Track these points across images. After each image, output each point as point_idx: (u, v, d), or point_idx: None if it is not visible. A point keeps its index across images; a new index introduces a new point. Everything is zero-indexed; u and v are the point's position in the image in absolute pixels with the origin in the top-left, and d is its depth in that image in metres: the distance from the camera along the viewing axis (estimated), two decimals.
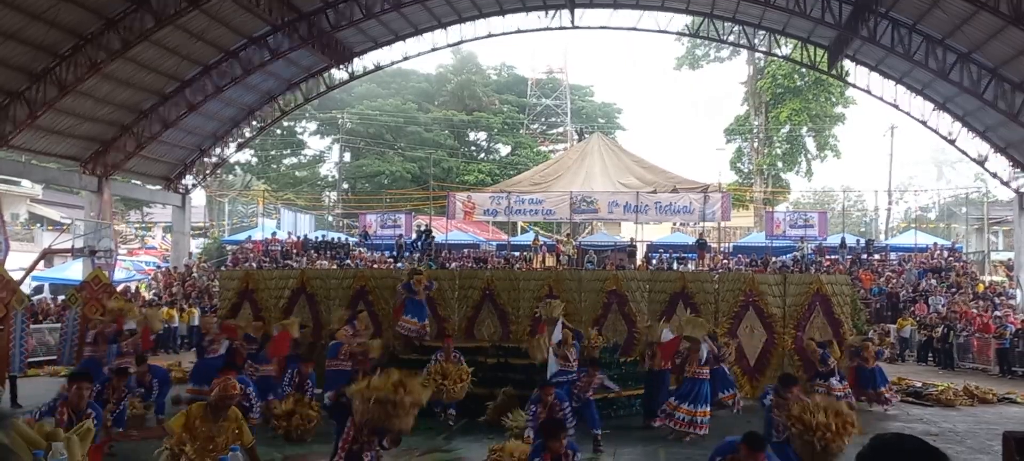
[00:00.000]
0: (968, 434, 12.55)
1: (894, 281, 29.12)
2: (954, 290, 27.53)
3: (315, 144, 58.33)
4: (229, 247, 37.38)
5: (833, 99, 45.43)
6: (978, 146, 29.34)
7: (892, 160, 46.79)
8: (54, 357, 18.51)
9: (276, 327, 13.93)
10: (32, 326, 20.16)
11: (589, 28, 31.04)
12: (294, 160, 57.81)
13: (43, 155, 28.00)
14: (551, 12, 30.27)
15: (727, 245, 36.37)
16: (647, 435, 11.86)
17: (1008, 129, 26.44)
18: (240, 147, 36.85)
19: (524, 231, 39.48)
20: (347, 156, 54.38)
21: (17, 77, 23.21)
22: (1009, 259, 33.46)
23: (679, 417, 11.55)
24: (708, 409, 11.63)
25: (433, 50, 32.44)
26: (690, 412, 11.53)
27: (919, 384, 17.31)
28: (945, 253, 32.44)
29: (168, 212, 38.16)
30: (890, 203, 47.83)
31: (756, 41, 31.72)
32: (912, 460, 1.82)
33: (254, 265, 28.83)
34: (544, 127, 60.06)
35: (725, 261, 32.00)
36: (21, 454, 4.51)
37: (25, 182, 41.15)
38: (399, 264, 27.13)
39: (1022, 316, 22.97)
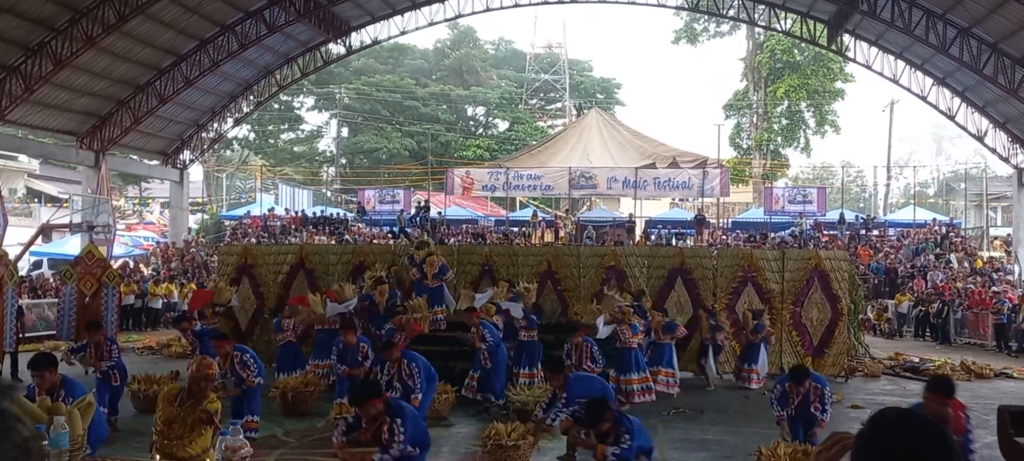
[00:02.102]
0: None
1: (892, 257, 29.19)
2: (948, 264, 27.60)
3: (313, 119, 58.25)
4: (227, 222, 37.37)
5: (832, 74, 45.27)
6: (977, 122, 29.31)
7: (891, 135, 46.73)
8: (53, 332, 18.56)
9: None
10: (32, 301, 20.26)
11: (587, 1, 30.83)
12: (292, 135, 57.65)
13: (40, 130, 27.90)
14: None
15: (726, 221, 36.38)
16: (644, 411, 11.92)
17: (1007, 104, 26.40)
18: (237, 122, 36.75)
19: (523, 207, 39.46)
20: (345, 131, 54.22)
21: (13, 51, 23.07)
22: (1008, 234, 33.51)
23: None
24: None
25: (431, 25, 32.24)
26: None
27: (916, 359, 17.40)
28: (943, 229, 32.49)
29: (166, 187, 38.12)
30: (889, 179, 47.82)
31: (755, 15, 31.53)
32: (913, 438, 1.82)
33: (253, 240, 28.83)
34: (542, 102, 59.81)
35: (723, 237, 32.03)
36: (27, 423, 4.53)
37: (22, 157, 41.01)
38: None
39: (1021, 291, 23.01)
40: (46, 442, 4.74)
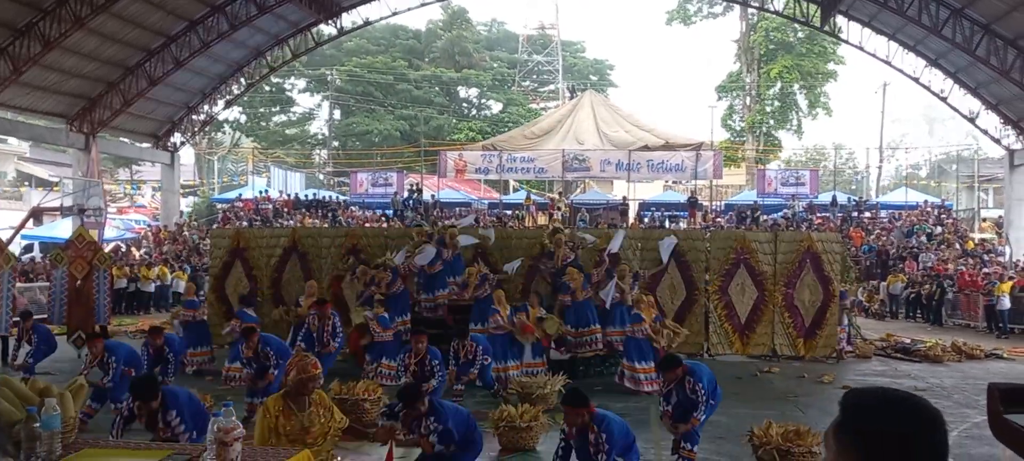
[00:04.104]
0: (955, 389, 12.71)
1: (884, 238, 29.30)
2: (943, 246, 27.72)
3: (304, 101, 57.87)
4: (219, 205, 37.22)
5: (825, 56, 45.21)
6: (969, 103, 29.34)
7: (884, 117, 46.77)
8: (45, 315, 18.49)
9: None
10: (24, 285, 20.17)
11: None
12: (283, 118, 57.29)
13: (29, 112, 27.68)
14: None
15: (719, 203, 36.42)
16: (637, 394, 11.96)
17: (999, 86, 26.42)
18: (228, 104, 36.51)
19: (516, 190, 39.41)
20: (337, 114, 53.96)
21: (1, 32, 22.84)
22: (999, 216, 33.64)
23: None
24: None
25: (422, 5, 31.96)
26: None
27: (908, 340, 17.49)
28: (935, 211, 32.60)
29: (157, 170, 37.93)
30: (881, 161, 47.91)
31: None
32: (906, 422, 1.70)
33: (245, 223, 28.74)
34: (536, 84, 59.59)
35: (719, 220, 32.08)
36: (12, 408, 4.50)
37: (12, 140, 40.74)
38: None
39: (1012, 273, 23.13)
40: (38, 424, 4.72)
